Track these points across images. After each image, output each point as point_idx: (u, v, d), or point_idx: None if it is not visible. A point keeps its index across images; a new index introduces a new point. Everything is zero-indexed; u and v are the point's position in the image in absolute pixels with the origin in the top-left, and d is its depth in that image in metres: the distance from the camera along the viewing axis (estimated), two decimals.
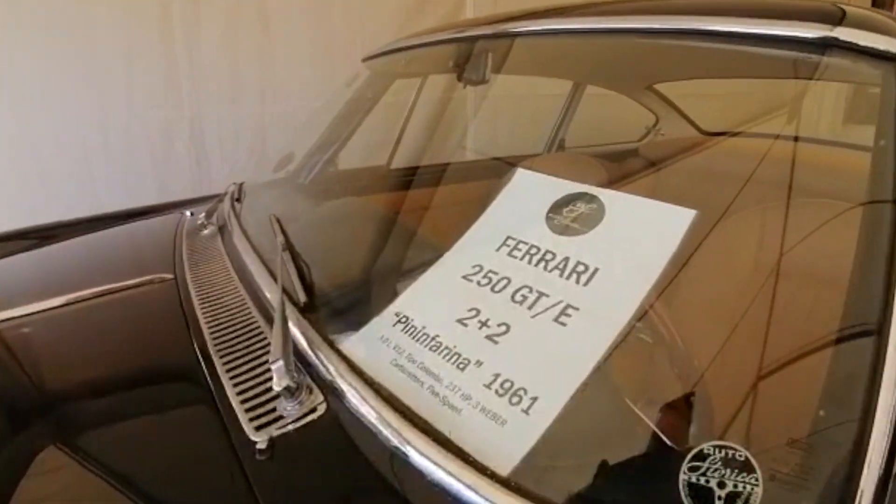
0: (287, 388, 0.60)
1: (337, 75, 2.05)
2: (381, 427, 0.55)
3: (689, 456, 0.42)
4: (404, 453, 0.52)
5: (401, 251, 0.90)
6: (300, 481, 0.54)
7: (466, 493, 0.47)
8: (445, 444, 0.51)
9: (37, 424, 0.67)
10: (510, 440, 0.50)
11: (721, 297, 0.73)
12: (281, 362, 0.61)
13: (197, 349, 0.75)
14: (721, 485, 0.42)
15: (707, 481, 0.42)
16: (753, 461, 0.42)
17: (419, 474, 0.50)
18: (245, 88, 2.16)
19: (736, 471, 0.42)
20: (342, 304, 0.76)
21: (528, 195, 0.73)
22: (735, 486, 0.42)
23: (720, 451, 0.42)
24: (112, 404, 0.71)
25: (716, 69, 1.29)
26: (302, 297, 0.75)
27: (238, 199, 1.28)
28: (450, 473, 0.48)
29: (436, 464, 0.49)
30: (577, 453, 0.50)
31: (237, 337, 0.76)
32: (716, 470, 0.42)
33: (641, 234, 0.61)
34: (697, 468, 0.42)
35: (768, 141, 0.94)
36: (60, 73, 1.93)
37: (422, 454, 0.51)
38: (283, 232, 0.92)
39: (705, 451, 0.42)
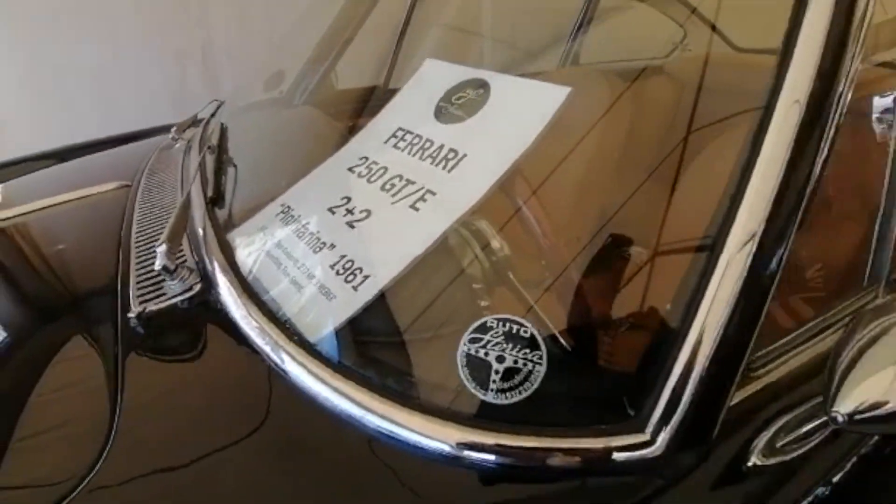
0: (164, 268, 0.62)
1: None
2: (230, 303, 0.56)
3: (471, 328, 0.40)
4: (241, 327, 0.53)
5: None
6: (159, 350, 0.57)
7: (271, 353, 0.48)
8: (265, 310, 0.51)
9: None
10: (331, 313, 0.49)
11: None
12: (164, 246, 0.63)
13: (121, 241, 0.79)
14: (500, 359, 0.40)
15: (486, 354, 0.40)
16: (540, 338, 0.40)
17: (249, 340, 0.52)
18: (252, 7, 2.16)
19: (518, 346, 0.40)
20: (249, 202, 0.77)
21: (428, 84, 0.69)
22: (515, 361, 0.39)
23: (504, 325, 0.40)
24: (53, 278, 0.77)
25: None
26: (211, 191, 0.76)
27: (213, 116, 1.29)
28: (265, 335, 0.49)
29: (258, 330, 0.50)
30: (392, 329, 0.49)
31: (156, 228, 0.79)
32: (496, 344, 0.40)
33: (512, 116, 0.56)
34: (477, 340, 0.40)
35: None
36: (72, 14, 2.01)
37: (252, 321, 0.52)
38: (223, 134, 0.93)
39: (488, 324, 0.40)
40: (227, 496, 0.42)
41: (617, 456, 0.39)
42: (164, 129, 1.60)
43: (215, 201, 0.76)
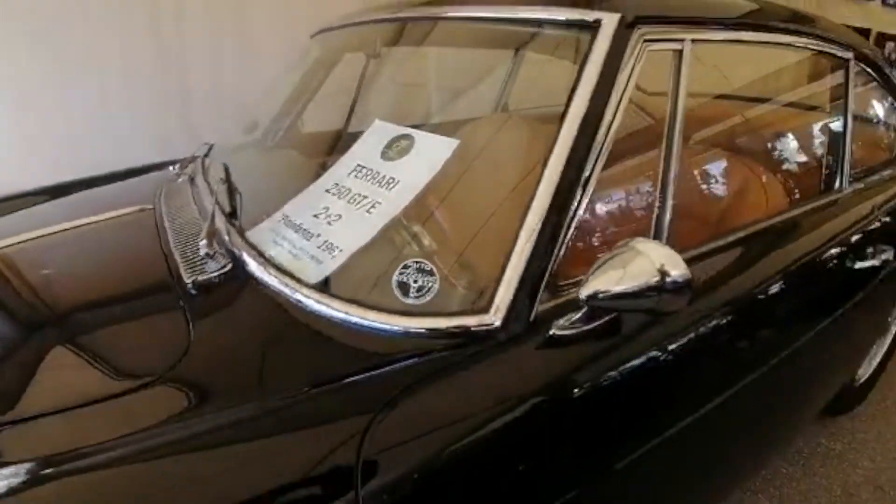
0: (207, 254, 0.97)
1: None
2: (256, 271, 0.91)
3: (399, 266, 0.78)
4: (266, 282, 0.89)
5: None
6: (210, 301, 0.92)
7: (288, 292, 0.84)
8: (283, 270, 0.88)
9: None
10: (320, 269, 0.86)
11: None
12: (205, 240, 0.98)
13: (162, 244, 1.12)
14: (415, 281, 0.77)
15: (407, 279, 0.77)
16: (434, 269, 0.77)
17: (271, 290, 0.87)
18: (226, 66, 2.52)
19: (423, 274, 0.77)
20: (257, 213, 1.12)
21: (377, 137, 1.07)
22: (423, 283, 0.77)
23: (416, 263, 0.78)
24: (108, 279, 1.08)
25: None
26: (228, 208, 1.11)
27: (206, 155, 1.64)
28: (284, 284, 0.85)
29: (279, 282, 0.86)
30: (355, 275, 0.86)
31: (188, 234, 1.12)
32: (412, 274, 0.77)
33: (425, 158, 0.95)
34: (403, 272, 0.78)
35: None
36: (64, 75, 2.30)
37: (273, 277, 0.88)
38: (227, 171, 1.28)
39: (407, 263, 0.78)
40: (261, 371, 0.77)
41: (474, 329, 0.77)
42: (160, 167, 1.92)
43: (231, 215, 1.11)
